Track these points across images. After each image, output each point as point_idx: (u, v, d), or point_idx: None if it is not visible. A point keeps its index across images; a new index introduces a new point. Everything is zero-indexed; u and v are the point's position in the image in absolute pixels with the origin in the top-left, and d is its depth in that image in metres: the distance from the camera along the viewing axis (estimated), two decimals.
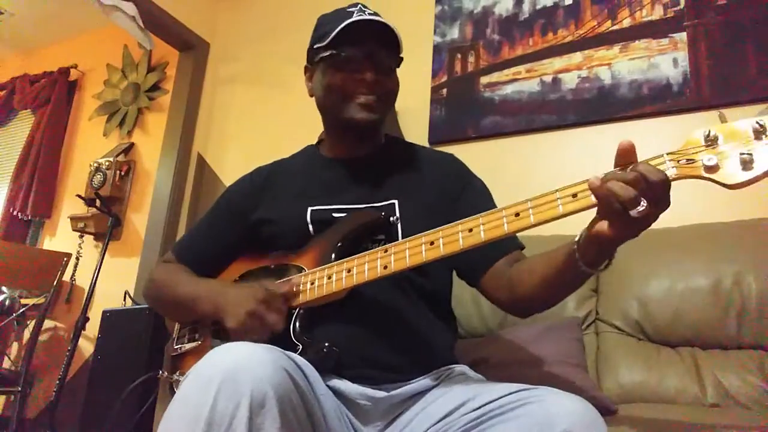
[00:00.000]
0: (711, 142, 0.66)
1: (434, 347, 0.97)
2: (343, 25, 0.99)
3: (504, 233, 0.75)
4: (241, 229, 1.12)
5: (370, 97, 1.02)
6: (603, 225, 0.70)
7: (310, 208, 1.03)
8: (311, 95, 1.12)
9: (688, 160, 0.66)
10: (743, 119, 0.65)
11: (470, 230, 0.77)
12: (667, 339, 1.40)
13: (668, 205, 0.67)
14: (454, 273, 1.11)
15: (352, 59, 1.01)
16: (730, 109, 1.70)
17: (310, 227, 1.02)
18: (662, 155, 0.68)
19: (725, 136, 0.65)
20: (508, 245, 0.99)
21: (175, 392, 0.99)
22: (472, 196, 1.07)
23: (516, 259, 0.99)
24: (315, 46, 1.06)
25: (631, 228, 0.68)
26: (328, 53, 1.03)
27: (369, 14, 1.03)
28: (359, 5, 1.06)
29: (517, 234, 0.84)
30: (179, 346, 1.08)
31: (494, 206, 1.02)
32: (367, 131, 1.08)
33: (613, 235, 0.69)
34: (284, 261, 1.02)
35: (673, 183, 0.67)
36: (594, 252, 0.75)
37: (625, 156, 0.69)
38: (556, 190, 0.72)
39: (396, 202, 1.02)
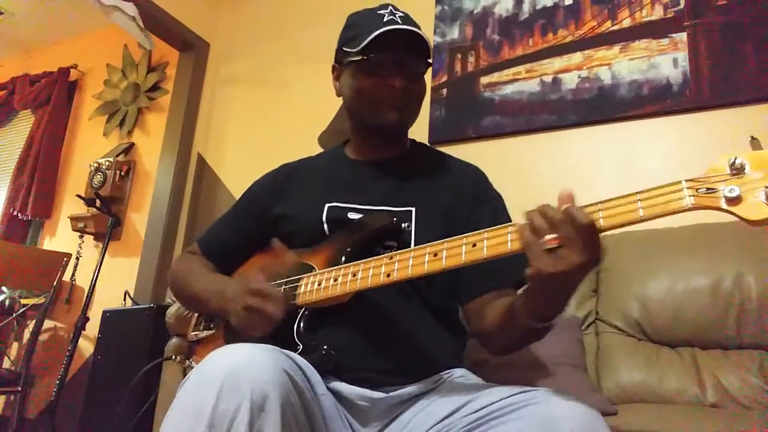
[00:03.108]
0: (737, 170, 0.60)
1: (435, 355, 0.96)
2: (375, 34, 0.99)
3: (507, 251, 0.73)
4: (260, 224, 1.13)
5: (399, 101, 1.03)
6: (529, 266, 0.69)
7: (327, 205, 1.04)
8: (338, 95, 1.13)
9: (708, 189, 0.61)
10: None
11: (474, 245, 0.76)
12: (667, 339, 1.40)
13: (596, 258, 0.66)
14: None
15: (383, 65, 1.02)
16: (730, 110, 1.71)
17: (325, 226, 1.02)
18: (680, 182, 0.63)
19: (753, 165, 0.59)
20: (503, 280, 0.98)
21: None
22: (488, 214, 1.05)
23: (505, 295, 0.97)
24: (344, 48, 1.07)
25: (548, 265, 0.66)
26: (358, 58, 1.03)
27: (400, 16, 1.03)
28: (390, 7, 1.06)
29: None
30: (195, 333, 1.11)
31: None
32: (393, 135, 1.10)
33: (532, 272, 0.68)
34: (299, 259, 1.02)
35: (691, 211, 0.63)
36: (532, 300, 0.76)
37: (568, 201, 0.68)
38: None
39: (413, 209, 1.02)
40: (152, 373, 1.86)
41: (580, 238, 0.65)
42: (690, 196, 0.62)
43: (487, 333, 0.94)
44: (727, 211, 0.60)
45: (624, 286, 1.47)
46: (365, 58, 1.02)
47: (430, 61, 1.08)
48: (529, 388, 0.73)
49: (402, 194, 1.05)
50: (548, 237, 0.66)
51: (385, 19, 1.02)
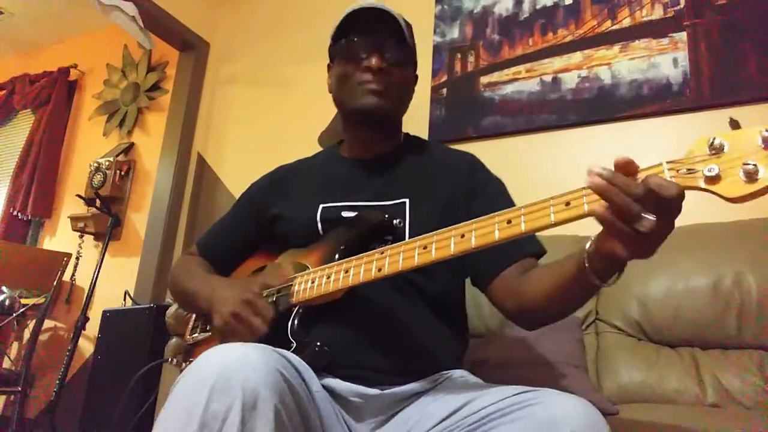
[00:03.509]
0: (716, 150, 0.60)
1: (432, 353, 0.96)
2: (347, 12, 1.03)
3: (494, 240, 0.73)
4: (258, 225, 1.14)
5: (375, 85, 1.03)
6: (610, 242, 0.65)
7: (321, 206, 1.04)
8: (330, 92, 1.14)
9: (689, 169, 0.61)
10: (752, 127, 0.60)
11: (462, 236, 0.76)
12: (667, 339, 1.40)
13: (679, 213, 0.62)
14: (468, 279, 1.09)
15: (359, 47, 1.03)
16: (729, 110, 1.70)
17: (319, 226, 1.02)
18: (661, 164, 0.63)
19: (731, 144, 0.60)
20: (519, 252, 0.96)
21: None
22: (487, 198, 1.04)
23: (528, 267, 0.96)
24: (330, 44, 1.10)
25: (640, 244, 0.63)
26: (337, 45, 1.06)
27: (378, 5, 1.05)
28: None
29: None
30: (192, 336, 1.11)
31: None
32: (376, 121, 1.07)
33: (619, 252, 0.65)
34: (294, 259, 1.03)
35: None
36: (603, 265, 0.71)
37: (624, 171, 0.63)
38: (550, 198, 0.70)
39: (407, 201, 1.02)
40: (152, 374, 1.86)
41: (672, 211, 0.61)
42: (671, 177, 0.62)
43: (533, 305, 0.88)
44: (706, 190, 0.60)
45: (624, 286, 1.47)
46: (343, 42, 1.05)
47: (411, 44, 1.08)
48: (530, 388, 0.72)
49: (395, 188, 1.05)
50: (644, 223, 0.61)
51: (362, 4, 1.04)
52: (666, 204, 0.60)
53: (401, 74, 1.07)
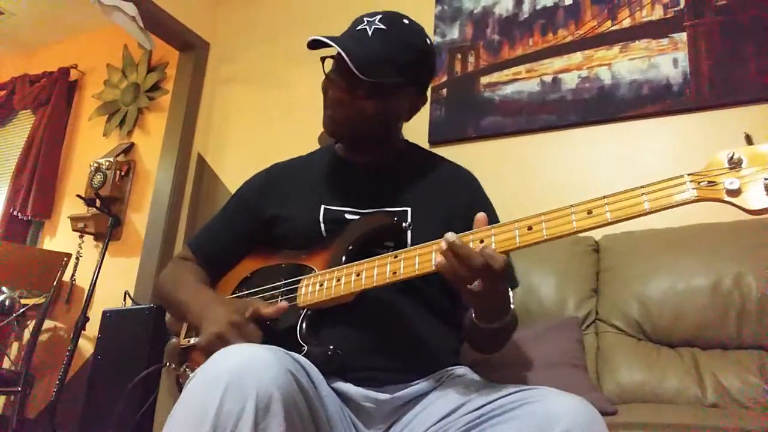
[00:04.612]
0: (735, 164, 0.64)
1: (437, 351, 0.97)
2: (309, 40, 0.97)
3: (516, 245, 0.75)
4: (254, 224, 1.12)
5: (329, 113, 1.04)
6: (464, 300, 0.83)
7: (323, 207, 1.03)
8: None
9: (709, 182, 0.65)
10: None
11: (481, 241, 0.77)
12: (667, 339, 1.40)
13: (504, 280, 0.78)
14: None
15: (326, 71, 1.04)
16: (730, 110, 1.71)
17: (322, 227, 1.02)
18: (683, 176, 0.66)
19: (749, 159, 0.64)
20: None
21: (180, 384, 1.01)
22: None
23: None
24: None
25: (473, 298, 0.78)
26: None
27: (372, 25, 0.99)
28: (365, 19, 1.01)
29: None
30: (187, 339, 1.09)
31: None
32: (341, 141, 1.13)
33: (465, 298, 0.81)
34: (295, 261, 1.02)
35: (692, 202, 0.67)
36: (474, 308, 0.85)
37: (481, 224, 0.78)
38: (570, 206, 0.72)
39: (409, 209, 1.02)
40: (152, 374, 1.86)
41: (498, 274, 0.75)
42: (693, 189, 0.65)
43: (468, 339, 1.03)
44: (728, 202, 0.64)
45: (624, 286, 1.47)
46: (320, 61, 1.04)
47: (371, 79, 0.95)
48: (527, 387, 0.73)
49: (398, 195, 1.05)
50: (476, 284, 0.76)
51: (354, 28, 1.01)
52: (491, 270, 0.74)
53: (363, 105, 1.00)
